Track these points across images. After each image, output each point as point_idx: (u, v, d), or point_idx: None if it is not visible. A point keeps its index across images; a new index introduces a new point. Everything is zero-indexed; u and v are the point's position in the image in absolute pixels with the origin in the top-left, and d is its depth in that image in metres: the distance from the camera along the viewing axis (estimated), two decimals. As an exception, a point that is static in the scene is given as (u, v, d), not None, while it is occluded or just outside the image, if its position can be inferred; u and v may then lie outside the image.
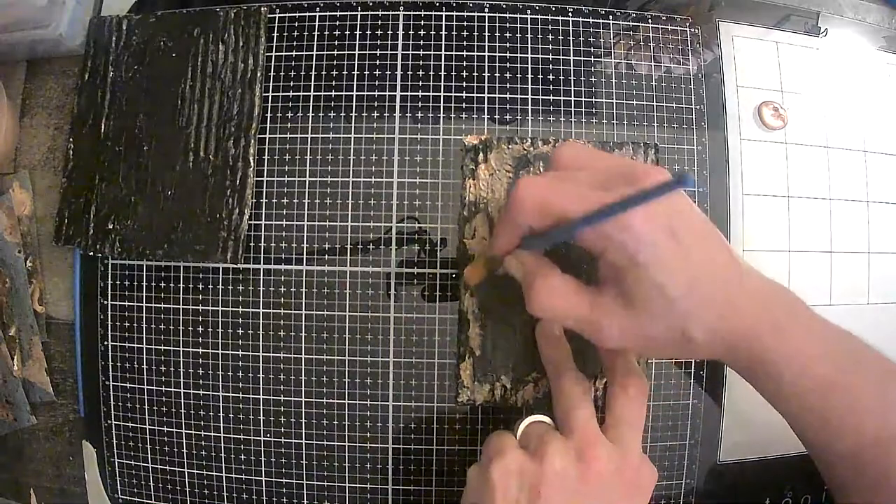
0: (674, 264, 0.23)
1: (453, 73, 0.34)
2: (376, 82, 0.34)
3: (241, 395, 0.34)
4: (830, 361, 0.24)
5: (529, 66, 0.34)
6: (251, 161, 0.33)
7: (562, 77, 0.34)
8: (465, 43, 0.35)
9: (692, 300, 0.24)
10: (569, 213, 0.24)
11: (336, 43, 0.35)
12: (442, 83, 0.34)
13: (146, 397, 0.34)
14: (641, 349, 0.29)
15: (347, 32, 0.35)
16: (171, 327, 0.34)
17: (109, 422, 0.35)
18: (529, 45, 0.35)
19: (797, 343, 0.24)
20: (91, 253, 0.34)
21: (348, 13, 0.35)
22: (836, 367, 0.24)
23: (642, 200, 0.21)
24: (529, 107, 0.34)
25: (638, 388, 0.28)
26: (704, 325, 0.24)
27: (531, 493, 0.24)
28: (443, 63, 0.34)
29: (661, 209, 0.23)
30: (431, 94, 0.34)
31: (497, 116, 0.34)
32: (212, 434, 0.34)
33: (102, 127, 0.35)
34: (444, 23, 0.35)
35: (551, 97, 0.34)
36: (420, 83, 0.34)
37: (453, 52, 0.34)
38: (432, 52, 0.35)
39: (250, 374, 0.33)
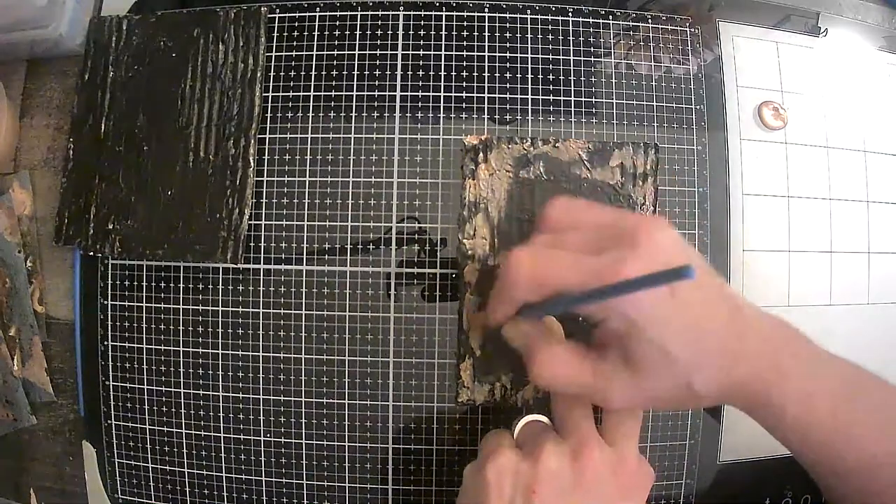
0: (674, 322, 0.23)
1: (453, 73, 0.34)
2: (376, 82, 0.34)
3: (241, 395, 0.34)
4: (831, 396, 0.24)
5: (529, 66, 0.34)
6: (251, 161, 0.33)
7: (562, 77, 0.34)
8: (465, 43, 0.35)
9: (695, 355, 0.23)
10: (563, 284, 0.23)
11: (336, 43, 0.35)
12: (442, 83, 0.34)
13: (146, 397, 0.34)
14: (646, 407, 0.29)
15: (347, 32, 0.35)
16: (171, 327, 0.34)
17: (109, 422, 0.35)
18: (529, 45, 0.35)
19: (798, 382, 0.24)
20: (91, 253, 0.34)
21: (348, 13, 0.35)
22: (836, 402, 0.24)
23: (640, 287, 0.21)
24: (529, 107, 0.34)
25: None
26: (708, 377, 0.24)
27: (526, 492, 0.24)
28: (443, 63, 0.34)
29: (657, 265, 0.22)
30: (431, 94, 0.34)
31: (497, 116, 0.34)
32: (212, 434, 0.34)
33: (102, 127, 0.35)
34: (444, 23, 0.35)
35: (551, 97, 0.34)
36: (420, 83, 0.34)
37: (453, 52, 0.34)
38: (432, 52, 0.35)
39: (250, 374, 0.33)
